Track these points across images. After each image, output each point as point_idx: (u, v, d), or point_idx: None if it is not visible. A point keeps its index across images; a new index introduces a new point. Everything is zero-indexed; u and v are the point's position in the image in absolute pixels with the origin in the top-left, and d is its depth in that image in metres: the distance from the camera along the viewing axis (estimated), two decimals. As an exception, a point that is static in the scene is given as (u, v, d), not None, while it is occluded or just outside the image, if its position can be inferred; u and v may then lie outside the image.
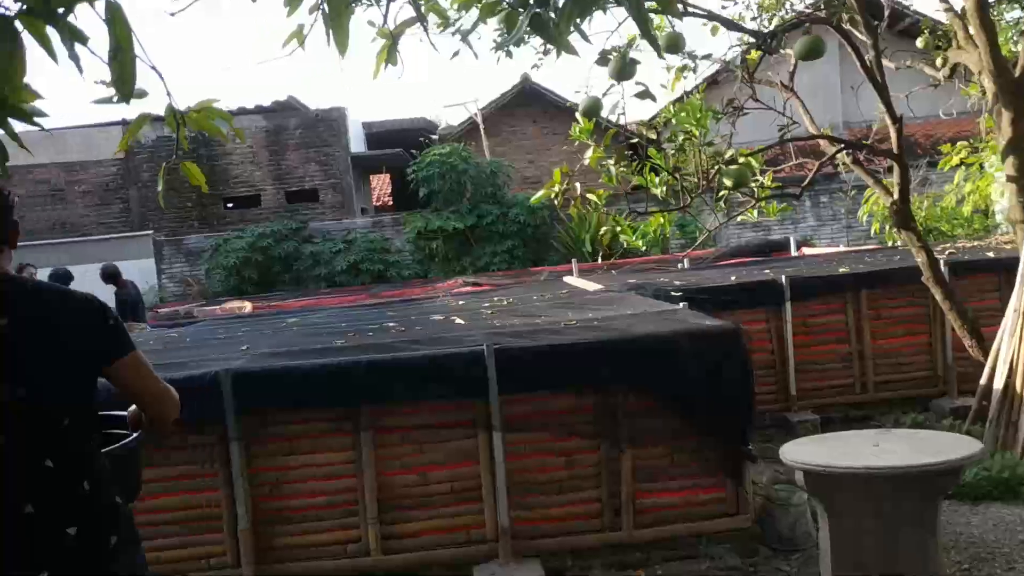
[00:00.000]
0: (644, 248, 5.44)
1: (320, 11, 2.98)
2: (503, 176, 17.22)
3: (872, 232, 11.55)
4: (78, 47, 2.23)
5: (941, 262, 6.46)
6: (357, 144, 19.89)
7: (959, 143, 10.14)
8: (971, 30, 5.80)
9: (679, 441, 4.51)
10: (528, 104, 19.94)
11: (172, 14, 3.13)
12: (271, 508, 4.36)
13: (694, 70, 5.51)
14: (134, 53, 2.36)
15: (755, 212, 5.99)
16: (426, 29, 3.53)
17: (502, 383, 4.27)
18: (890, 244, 10.60)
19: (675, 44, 4.39)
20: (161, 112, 3.02)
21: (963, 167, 10.23)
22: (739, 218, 5.74)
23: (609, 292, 6.87)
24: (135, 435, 2.34)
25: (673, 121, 5.27)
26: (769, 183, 5.95)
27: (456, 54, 4.26)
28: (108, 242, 16.74)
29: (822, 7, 6.24)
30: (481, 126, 19.35)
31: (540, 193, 4.89)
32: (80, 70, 2.29)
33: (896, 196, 5.95)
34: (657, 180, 5.36)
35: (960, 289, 6.41)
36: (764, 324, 6.80)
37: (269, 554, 4.33)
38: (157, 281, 16.89)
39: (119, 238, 17.17)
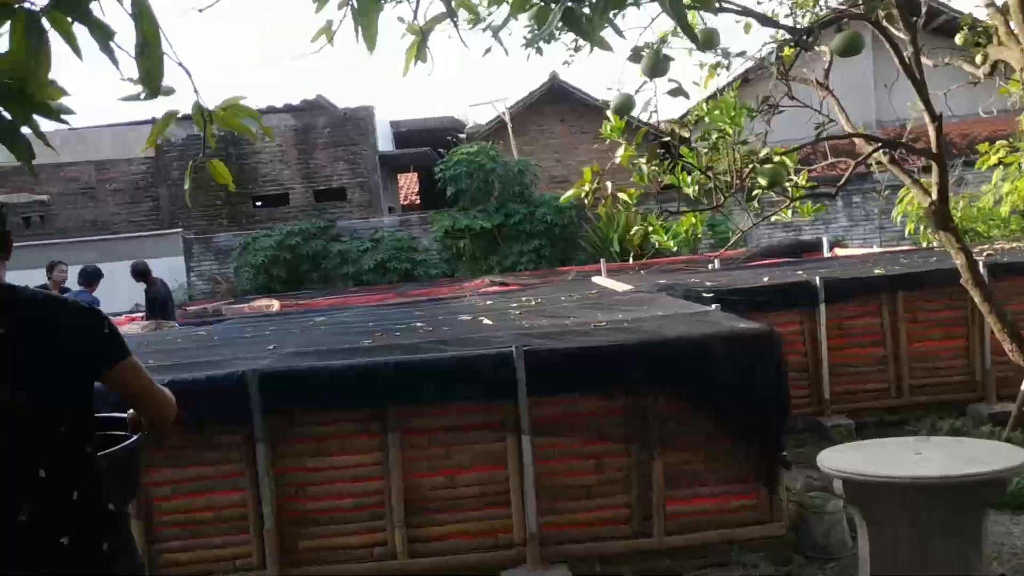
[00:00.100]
0: (675, 248, 5.32)
1: (349, 7, 2.93)
2: (531, 175, 17.14)
3: (906, 233, 11.34)
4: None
5: (980, 264, 6.30)
6: (385, 143, 19.90)
7: (997, 142, 9.92)
8: (1013, 26, 5.63)
9: (711, 446, 4.42)
10: (556, 102, 19.83)
11: (200, 10, 3.08)
12: (297, 509, 4.32)
13: (728, 67, 5.38)
14: (162, 49, 2.32)
15: (789, 212, 5.86)
16: (456, 25, 3.47)
17: (531, 385, 4.20)
18: (925, 245, 10.39)
19: (710, 40, 4.28)
20: (188, 110, 2.99)
21: (1001, 167, 10.00)
22: (773, 218, 5.61)
23: (639, 293, 6.78)
24: (135, 437, 2.35)
25: (706, 119, 5.16)
26: (804, 182, 5.82)
27: (488, 51, 4.17)
28: (138, 240, 16.87)
29: (859, 3, 6.10)
30: (509, 125, 19.28)
31: (570, 192, 4.80)
32: (116, 63, 2.26)
33: (935, 196, 5.80)
34: (689, 179, 5.25)
35: (999, 291, 6.23)
36: (797, 326, 6.67)
37: (294, 556, 4.29)
38: (186, 279, 17.00)
39: (149, 236, 17.30)
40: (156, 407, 2.32)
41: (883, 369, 6.80)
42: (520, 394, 4.19)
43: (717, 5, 4.35)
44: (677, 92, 4.66)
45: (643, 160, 4.80)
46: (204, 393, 4.13)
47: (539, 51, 5.09)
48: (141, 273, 10.29)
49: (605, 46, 2.99)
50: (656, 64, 4.18)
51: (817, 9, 6.79)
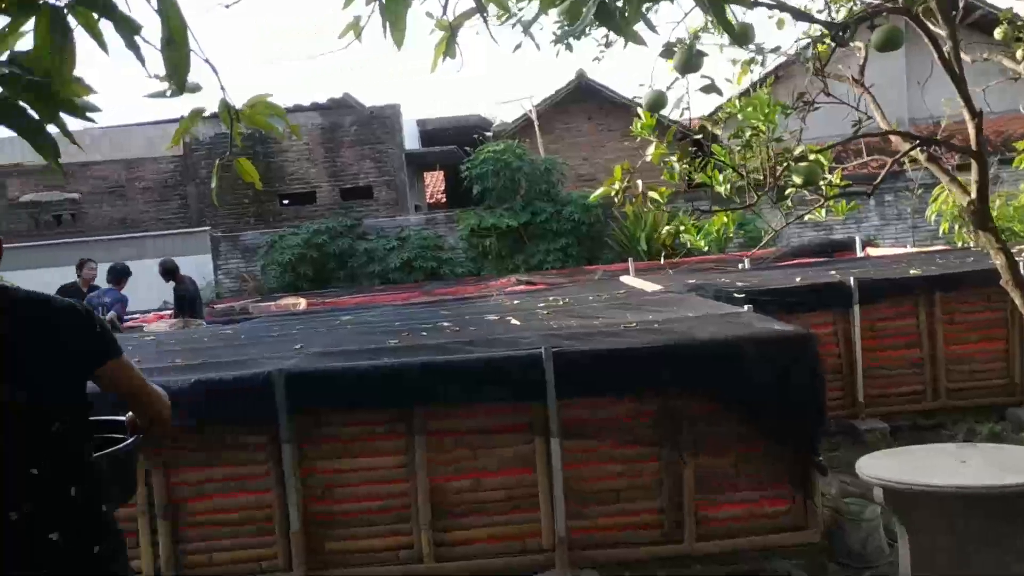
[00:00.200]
0: (706, 248, 5.22)
1: (377, 2, 2.88)
2: (557, 173, 17.05)
3: (940, 232, 11.13)
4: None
5: (1021, 264, 6.13)
6: (411, 141, 19.90)
7: (1035, 140, 9.70)
8: (1057, 20, 5.47)
9: (744, 450, 4.32)
10: (583, 100, 19.72)
11: (227, 6, 3.04)
12: (323, 511, 4.28)
13: (762, 63, 5.27)
14: (188, 45, 2.28)
15: (823, 211, 5.74)
16: (486, 20, 3.40)
17: (560, 387, 4.13)
18: (960, 245, 10.19)
19: (745, 35, 4.16)
20: (215, 108, 2.95)
21: (1038, 165, 9.77)
22: (806, 217, 5.49)
23: (669, 293, 6.68)
24: (133, 438, 2.39)
25: (739, 116, 5.05)
26: (838, 181, 5.70)
27: (518, 47, 4.11)
28: (166, 238, 17.00)
29: (897, -2, 5.95)
30: (536, 123, 19.20)
31: (600, 190, 4.71)
32: (141, 60, 2.22)
33: (974, 195, 5.65)
34: (721, 178, 5.15)
35: (1041, 293, 6.09)
36: (831, 327, 6.54)
37: (320, 558, 4.25)
38: (214, 277, 17.10)
39: (177, 234, 17.41)
40: (149, 405, 2.35)
41: (919, 372, 6.66)
42: (549, 396, 4.12)
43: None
44: (710, 89, 4.56)
45: (675, 158, 4.70)
46: (230, 393, 4.11)
47: (569, 48, 5.01)
48: (169, 271, 10.34)
49: (639, 40, 2.91)
50: (689, 60, 4.08)
51: (852, 4, 6.66)
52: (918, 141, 6.11)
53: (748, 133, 4.94)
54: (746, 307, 5.29)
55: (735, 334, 4.39)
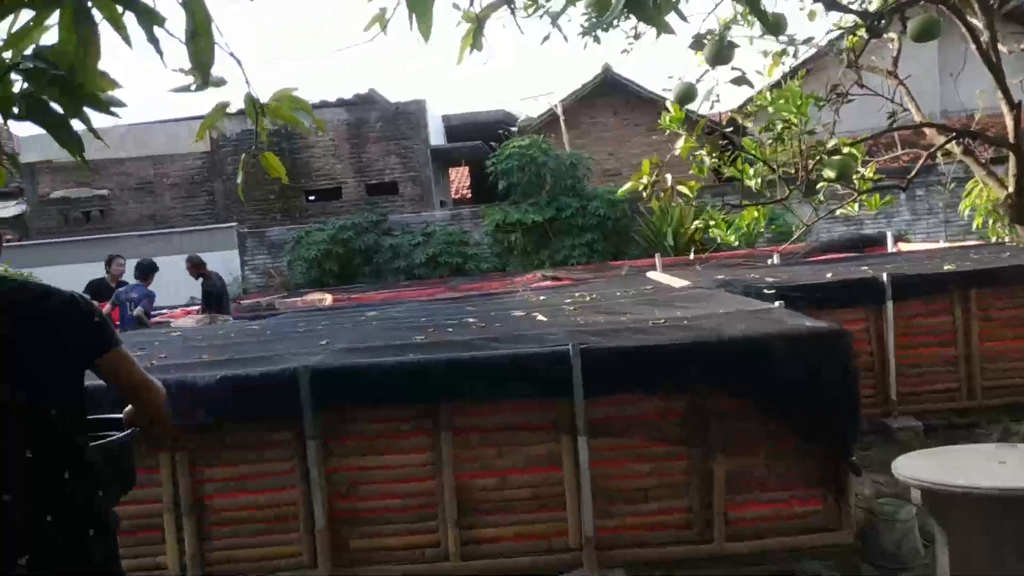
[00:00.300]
0: (736, 243, 5.15)
1: (403, -5, 2.83)
2: (583, 168, 16.95)
3: (973, 227, 10.93)
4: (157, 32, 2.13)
5: (1060, 260, 6.00)
6: (436, 137, 19.89)
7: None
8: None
9: (776, 449, 4.23)
10: (609, 95, 19.60)
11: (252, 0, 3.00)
12: (348, 508, 4.25)
13: (794, 55, 5.18)
14: (212, 37, 2.25)
15: (855, 206, 5.64)
16: (514, 12, 3.35)
17: (588, 385, 4.06)
18: (994, 240, 10.00)
19: (778, 25, 4.10)
20: (240, 104, 2.92)
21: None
22: (838, 212, 5.40)
23: (697, 289, 6.59)
24: (128, 432, 2.45)
25: (770, 109, 4.97)
26: (871, 175, 5.60)
27: (546, 38, 4.07)
28: (193, 234, 17.10)
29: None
30: (561, 118, 19.10)
31: (628, 185, 4.66)
32: (160, 53, 2.20)
33: (1011, 189, 5.53)
34: (751, 171, 5.07)
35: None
36: (863, 324, 6.41)
37: (346, 556, 4.22)
38: (240, 273, 17.18)
39: (204, 230, 17.52)
40: (147, 396, 2.39)
41: (953, 369, 6.51)
42: (576, 393, 4.06)
43: (785, -12, 4.18)
44: (741, 81, 4.49)
45: (704, 151, 4.64)
46: (256, 389, 4.09)
47: (596, 40, 4.97)
48: (196, 267, 10.39)
49: (669, 30, 2.85)
50: (720, 51, 4.02)
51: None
52: (954, 134, 5.99)
53: (779, 126, 4.87)
54: (777, 303, 5.19)
55: (766, 331, 4.30)
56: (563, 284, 11.00)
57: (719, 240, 4.89)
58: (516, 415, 4.24)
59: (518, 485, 4.23)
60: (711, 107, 4.51)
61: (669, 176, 4.60)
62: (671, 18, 2.84)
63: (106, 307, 9.50)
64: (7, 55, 2.19)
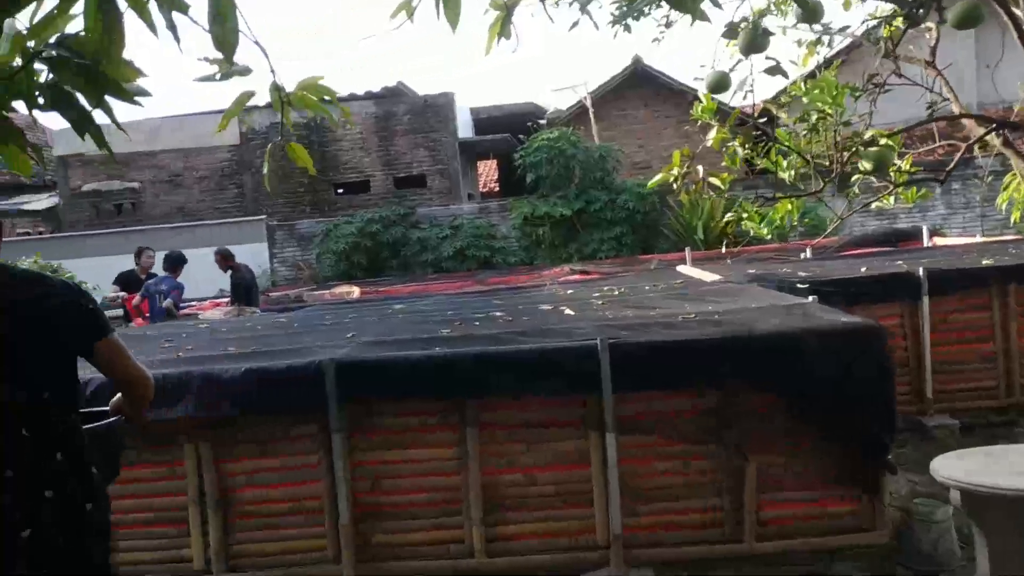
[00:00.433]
0: (769, 237, 5.04)
1: (430, -18, 2.77)
2: (612, 161, 16.82)
3: (1011, 221, 10.69)
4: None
5: (1104, 255, 5.82)
6: (464, 130, 19.84)
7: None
8: None
9: (809, 448, 4.13)
10: (639, 86, 19.43)
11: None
12: (372, 503, 4.21)
13: (829, 44, 5.06)
14: (235, 21, 2.21)
15: (891, 198, 5.51)
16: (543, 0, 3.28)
17: (616, 380, 3.98)
18: (1033, 234, 9.78)
19: (815, 12, 3.99)
20: (266, 95, 2.87)
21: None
22: (873, 205, 5.27)
23: (728, 283, 6.48)
24: (114, 419, 2.57)
25: (804, 99, 4.85)
26: (908, 167, 5.46)
27: (575, 25, 4.00)
28: (223, 226, 17.19)
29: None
30: (590, 110, 18.97)
31: (658, 177, 4.57)
32: (177, 39, 2.16)
33: (1054, 181, 5.37)
34: (785, 163, 4.96)
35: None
36: (898, 320, 6.27)
37: (368, 551, 4.18)
38: (269, 265, 17.26)
39: (233, 222, 17.61)
40: (134, 382, 2.50)
41: (991, 366, 6.35)
42: (604, 389, 3.99)
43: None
44: (775, 70, 4.38)
45: (737, 142, 4.54)
46: (281, 382, 4.06)
47: (627, 28, 4.88)
48: (225, 259, 10.42)
49: (704, 17, 2.77)
50: (754, 40, 3.92)
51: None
52: (994, 124, 5.84)
53: (814, 116, 4.76)
54: (810, 298, 5.09)
55: (800, 326, 4.20)
56: (591, 278, 10.93)
57: (752, 233, 4.78)
58: (543, 411, 4.18)
59: (545, 482, 4.17)
60: (744, 97, 4.40)
61: (700, 168, 4.51)
62: (705, 5, 2.77)
63: (136, 299, 9.57)
64: (31, 44, 2.17)
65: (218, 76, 2.58)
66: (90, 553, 2.32)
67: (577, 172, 16.39)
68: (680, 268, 9.26)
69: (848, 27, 5.02)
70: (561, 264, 14.77)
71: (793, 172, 4.97)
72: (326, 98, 2.94)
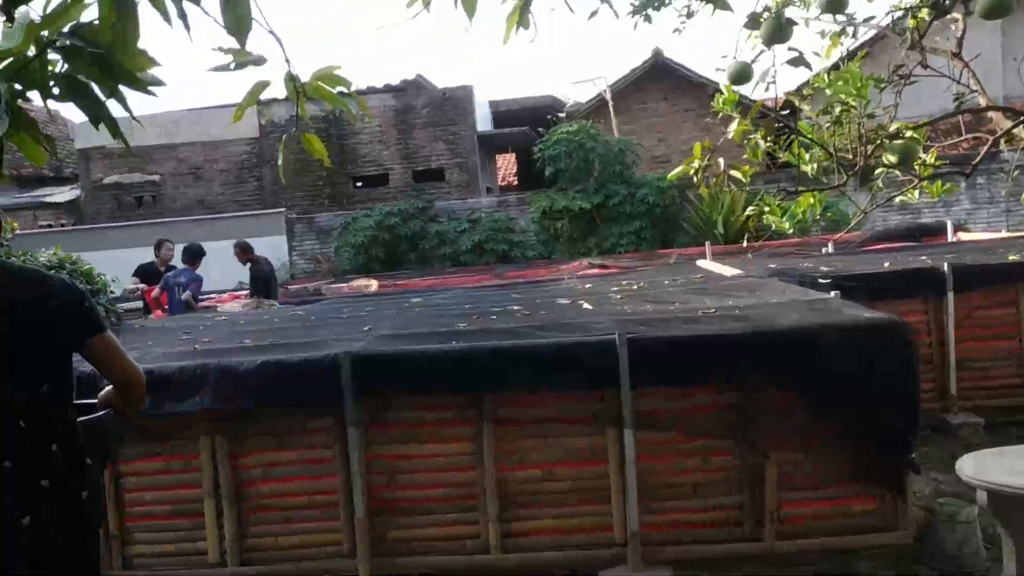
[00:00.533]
0: (791, 231, 4.95)
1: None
2: (632, 155, 16.71)
3: (1037, 216, 10.53)
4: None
5: None
6: (483, 123, 19.78)
7: None
8: None
9: (831, 445, 4.06)
10: (659, 80, 19.28)
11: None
12: (388, 497, 4.19)
13: (853, 34, 4.96)
14: (248, 7, 2.18)
15: (916, 192, 5.41)
16: (562, -13, 3.23)
17: (634, 375, 3.94)
18: (1060, 230, 9.62)
19: (839, 3, 3.90)
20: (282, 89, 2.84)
21: None
22: (897, 199, 5.18)
23: (749, 277, 6.41)
24: (103, 412, 2.63)
25: (827, 91, 4.76)
26: (933, 160, 5.35)
27: (594, 14, 3.94)
28: (242, 219, 17.23)
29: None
30: (610, 103, 18.86)
31: (679, 169, 4.50)
32: (187, 27, 2.14)
33: (1084, 175, 5.25)
34: (807, 156, 4.87)
35: None
36: (922, 316, 6.18)
37: (384, 545, 4.16)
38: (288, 258, 17.29)
39: (253, 215, 17.65)
40: (126, 379, 2.55)
41: (1016, 363, 6.25)
42: (623, 384, 3.94)
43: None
44: (798, 61, 4.30)
45: (759, 135, 4.45)
46: (297, 375, 4.04)
47: (647, 19, 4.81)
48: (244, 251, 10.43)
49: (726, 6, 2.71)
50: (777, 30, 3.84)
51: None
52: (1022, 118, 5.71)
53: (838, 109, 4.66)
54: (832, 293, 5.01)
55: (822, 322, 4.14)
56: (610, 272, 10.86)
57: (773, 227, 4.70)
58: (560, 406, 4.13)
59: (561, 478, 4.13)
60: (766, 89, 4.31)
61: (721, 160, 4.43)
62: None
63: (155, 291, 9.60)
64: (44, 33, 2.15)
65: (232, 66, 2.55)
66: (89, 553, 2.41)
67: (596, 166, 16.29)
68: (700, 262, 9.19)
69: (873, 17, 4.92)
70: (580, 258, 14.70)
71: (816, 165, 4.88)
72: (342, 89, 2.91)
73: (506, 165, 25.51)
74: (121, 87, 2.21)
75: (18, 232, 8.80)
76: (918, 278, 6.25)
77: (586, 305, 5.55)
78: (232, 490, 4.19)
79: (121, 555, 4.30)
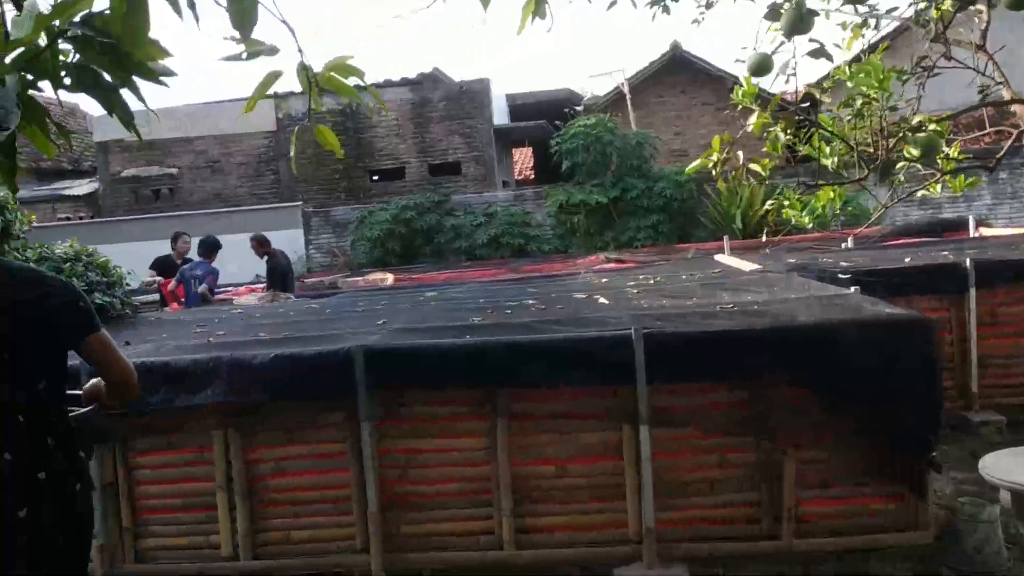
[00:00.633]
0: (811, 225, 4.88)
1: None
2: (649, 148, 16.60)
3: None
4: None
5: None
6: (500, 116, 19.71)
7: None
8: None
9: (850, 443, 4.00)
10: (677, 73, 19.15)
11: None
12: (400, 492, 4.16)
13: (876, 26, 4.87)
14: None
15: (939, 187, 5.32)
16: (578, -23, 3.18)
17: (651, 371, 3.89)
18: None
19: (862, -7, 3.83)
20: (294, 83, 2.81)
21: None
22: (918, 193, 5.09)
23: (767, 273, 6.34)
24: (91, 407, 2.67)
25: (849, 84, 4.68)
26: (956, 154, 5.26)
27: (613, 3, 3.89)
28: (259, 212, 17.26)
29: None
30: (628, 96, 18.75)
31: (697, 162, 4.43)
32: (196, 17, 2.12)
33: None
34: (828, 150, 4.79)
35: None
36: (943, 312, 6.08)
37: (396, 541, 4.14)
38: (305, 251, 17.31)
39: (269, 209, 17.68)
40: (119, 377, 2.60)
41: (1040, 361, 6.16)
42: (639, 381, 3.89)
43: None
44: (819, 53, 4.23)
45: (779, 127, 4.38)
46: (310, 369, 4.02)
47: (666, 10, 4.75)
48: (261, 244, 10.44)
49: (747, -6, 2.65)
50: (798, 21, 3.77)
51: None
52: (1049, 110, 5.61)
53: (859, 102, 4.58)
54: (853, 289, 4.93)
55: (842, 318, 4.07)
56: (627, 266, 10.80)
57: (793, 221, 4.62)
58: (575, 402, 4.09)
59: (576, 474, 4.09)
60: (786, 81, 4.24)
61: (741, 153, 4.37)
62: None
63: (171, 284, 9.62)
64: (56, 24, 2.13)
65: (244, 56, 2.52)
66: (82, 546, 2.49)
67: (614, 159, 16.19)
68: (718, 257, 9.11)
69: (895, 9, 4.83)
70: (596, 252, 14.62)
71: (836, 159, 4.80)
72: (356, 81, 2.88)
73: (523, 159, 25.45)
74: (134, 77, 2.19)
75: (36, 225, 8.81)
76: (940, 274, 6.16)
77: (602, 300, 5.50)
78: (245, 484, 4.18)
79: (134, 548, 4.30)
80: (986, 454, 3.54)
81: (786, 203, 4.54)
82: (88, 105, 22.38)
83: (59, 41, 2.10)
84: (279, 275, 10.40)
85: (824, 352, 3.88)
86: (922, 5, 5.26)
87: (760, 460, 4.01)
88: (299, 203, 17.84)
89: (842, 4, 4.59)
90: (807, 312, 4.23)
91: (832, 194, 5.04)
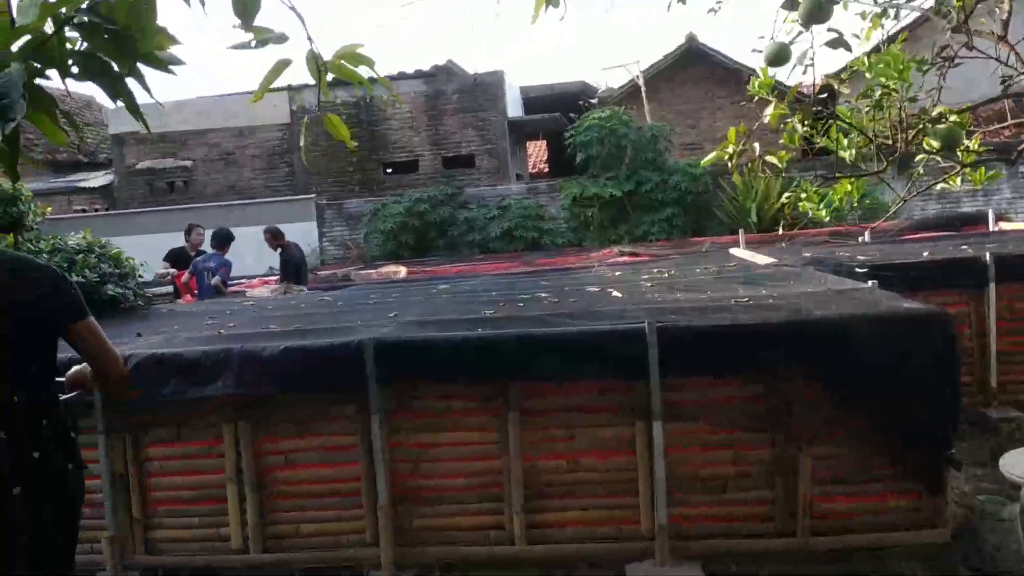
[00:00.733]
0: (827, 219, 4.80)
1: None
2: (664, 141, 16.50)
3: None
4: None
5: None
6: (514, 109, 19.65)
7: None
8: None
9: (867, 440, 3.93)
10: (692, 65, 19.02)
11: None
12: (411, 486, 4.13)
13: (895, 16, 4.78)
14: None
15: (958, 180, 5.23)
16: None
17: (664, 365, 3.84)
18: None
19: (882, -20, 3.76)
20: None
21: None
22: (937, 186, 5.01)
23: (783, 266, 6.27)
24: (74, 393, 2.77)
25: (867, 74, 4.60)
26: (976, 146, 5.18)
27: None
28: (273, 205, 17.29)
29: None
30: (642, 89, 18.64)
31: (712, 155, 4.37)
32: (203, 3, 2.09)
33: None
34: (846, 142, 4.72)
35: None
36: (962, 307, 5.99)
37: (407, 534, 4.11)
38: (318, 244, 17.32)
39: (283, 201, 17.69)
40: (105, 364, 2.64)
41: (1059, 358, 6.06)
42: (652, 375, 3.84)
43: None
44: (837, 43, 4.15)
45: (796, 119, 4.30)
46: (320, 361, 3.99)
47: (682, 0, 4.67)
48: (275, 237, 10.44)
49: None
50: (816, 9, 3.69)
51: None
52: (1072, 102, 5.50)
53: (878, 93, 4.50)
54: (870, 283, 4.86)
55: (860, 312, 4.00)
56: (641, 260, 10.73)
57: (810, 215, 4.55)
58: (588, 396, 4.04)
59: (588, 469, 4.05)
60: (804, 71, 4.17)
61: (757, 145, 4.30)
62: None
63: (185, 276, 9.64)
64: (63, 11, 2.10)
65: (253, 44, 2.49)
66: (72, 525, 2.56)
67: (628, 152, 16.10)
68: (733, 251, 9.03)
69: (916, -3, 4.74)
70: (610, 246, 14.56)
71: (854, 151, 4.73)
72: (367, 71, 2.83)
73: (537, 152, 25.38)
74: (140, 65, 2.16)
75: (52, 217, 8.83)
76: (959, 268, 6.07)
77: (616, 293, 5.45)
78: (255, 476, 4.16)
79: (144, 539, 4.29)
80: (1006, 451, 3.47)
81: (803, 196, 4.48)
82: (104, 98, 22.45)
83: (65, 29, 2.07)
84: (292, 267, 10.40)
85: (841, 347, 3.81)
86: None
87: (775, 456, 3.96)
88: (312, 195, 17.85)
89: (861, -7, 4.52)
90: (823, 306, 4.17)
91: (850, 187, 4.97)
